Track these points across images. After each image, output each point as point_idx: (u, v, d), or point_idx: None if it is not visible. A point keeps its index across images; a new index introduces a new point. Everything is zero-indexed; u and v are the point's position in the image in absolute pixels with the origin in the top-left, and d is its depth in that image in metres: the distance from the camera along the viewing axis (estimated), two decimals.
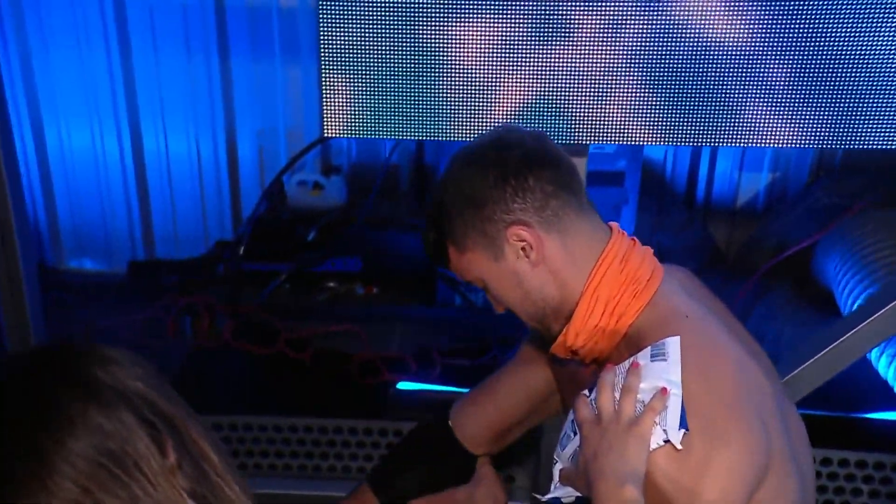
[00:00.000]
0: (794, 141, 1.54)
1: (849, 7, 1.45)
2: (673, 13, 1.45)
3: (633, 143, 1.58)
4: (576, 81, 1.52)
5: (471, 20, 1.48)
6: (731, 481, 0.97)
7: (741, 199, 2.95)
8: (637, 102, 1.53)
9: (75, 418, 0.66)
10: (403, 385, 2.26)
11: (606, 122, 1.55)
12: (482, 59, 1.52)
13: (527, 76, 1.53)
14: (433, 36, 1.49)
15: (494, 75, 1.53)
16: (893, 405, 2.12)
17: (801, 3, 1.46)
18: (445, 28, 1.48)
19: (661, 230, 2.73)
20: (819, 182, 2.77)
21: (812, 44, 1.47)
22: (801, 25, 1.46)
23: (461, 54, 1.50)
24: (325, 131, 1.58)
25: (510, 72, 1.53)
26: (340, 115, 1.56)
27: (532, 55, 1.51)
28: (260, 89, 2.88)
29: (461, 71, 1.52)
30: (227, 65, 2.85)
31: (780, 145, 1.55)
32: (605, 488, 0.95)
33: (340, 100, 1.55)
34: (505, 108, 1.56)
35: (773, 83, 1.50)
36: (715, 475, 0.97)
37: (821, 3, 1.45)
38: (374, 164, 2.95)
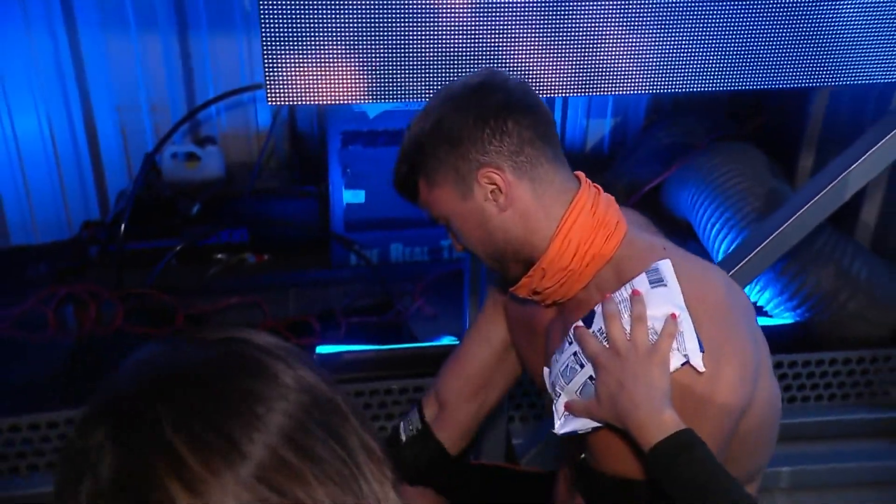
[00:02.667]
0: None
1: None
2: None
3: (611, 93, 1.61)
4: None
5: None
6: (734, 393, 1.01)
7: (589, 144, 3.10)
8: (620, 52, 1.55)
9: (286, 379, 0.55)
10: (322, 349, 2.20)
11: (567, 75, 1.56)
12: (437, 14, 1.46)
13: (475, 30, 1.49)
14: None
15: (448, 33, 1.48)
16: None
17: None
18: None
19: None
20: (657, 124, 2.96)
21: None
22: None
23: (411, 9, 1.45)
24: (269, 100, 1.47)
25: (462, 27, 1.48)
26: (283, 82, 1.46)
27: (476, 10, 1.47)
28: (115, 62, 2.62)
29: (410, 29, 1.47)
30: (75, 37, 2.56)
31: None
32: (644, 416, 0.95)
33: (282, 65, 1.44)
34: (458, 66, 1.52)
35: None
36: (721, 388, 1.00)
37: None
38: (245, 133, 2.79)
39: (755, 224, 2.28)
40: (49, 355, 2.23)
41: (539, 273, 1.11)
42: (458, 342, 2.12)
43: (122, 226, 2.41)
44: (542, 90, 1.56)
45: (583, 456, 1.09)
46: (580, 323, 1.06)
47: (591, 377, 1.02)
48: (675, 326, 0.98)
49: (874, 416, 2.20)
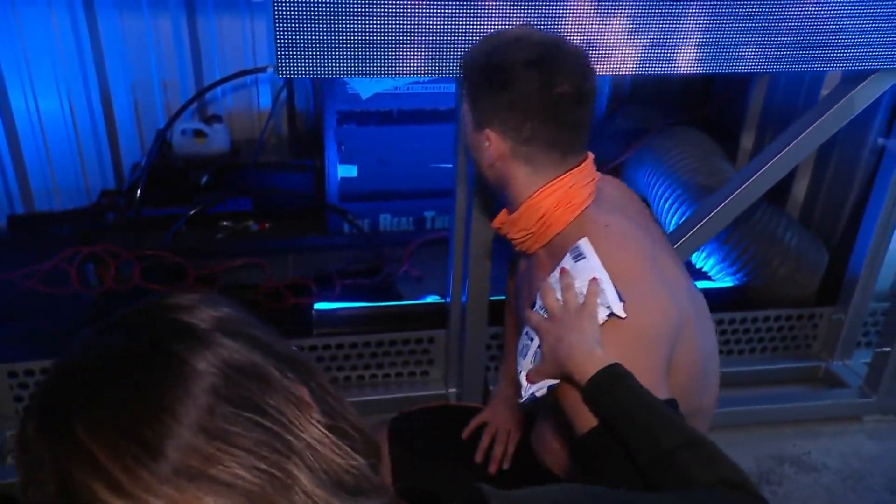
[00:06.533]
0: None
1: None
2: None
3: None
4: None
5: None
6: (658, 331, 1.06)
7: None
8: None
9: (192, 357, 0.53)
10: (320, 305, 2.29)
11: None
12: None
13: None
14: None
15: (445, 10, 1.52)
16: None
17: None
18: None
19: None
20: (617, 111, 3.07)
21: None
22: None
23: None
24: (279, 72, 1.49)
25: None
26: (294, 55, 1.48)
27: None
28: (129, 41, 2.66)
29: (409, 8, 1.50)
30: (93, 18, 2.60)
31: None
32: (579, 357, 1.00)
33: (293, 39, 1.47)
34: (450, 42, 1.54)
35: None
36: (646, 329, 1.05)
37: None
38: (248, 111, 2.85)
39: (703, 199, 2.41)
40: (73, 308, 2.31)
41: (510, 223, 1.20)
42: (440, 300, 2.24)
43: (139, 192, 2.48)
44: None
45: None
46: (534, 307, 1.13)
47: (539, 346, 1.09)
48: (597, 286, 1.05)
49: (797, 366, 2.37)
